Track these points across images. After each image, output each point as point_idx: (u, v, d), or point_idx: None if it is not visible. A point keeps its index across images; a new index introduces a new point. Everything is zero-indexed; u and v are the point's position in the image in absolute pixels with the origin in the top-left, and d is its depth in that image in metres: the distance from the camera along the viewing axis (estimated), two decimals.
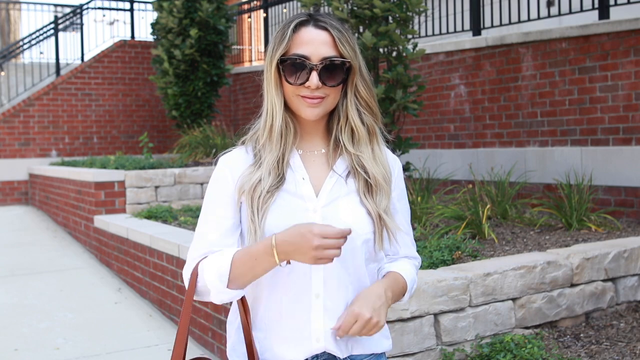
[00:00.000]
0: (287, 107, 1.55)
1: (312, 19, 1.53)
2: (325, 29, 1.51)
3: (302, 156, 1.58)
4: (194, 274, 1.50)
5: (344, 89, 1.55)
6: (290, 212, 1.49)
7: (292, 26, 1.51)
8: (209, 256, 1.50)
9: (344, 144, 1.57)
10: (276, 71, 1.53)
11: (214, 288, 1.46)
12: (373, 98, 1.59)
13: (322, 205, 1.52)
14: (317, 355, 1.53)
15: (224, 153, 1.62)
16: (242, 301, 1.52)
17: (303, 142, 1.59)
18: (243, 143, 1.62)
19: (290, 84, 1.51)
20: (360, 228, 1.52)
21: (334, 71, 1.50)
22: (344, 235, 1.38)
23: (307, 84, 1.49)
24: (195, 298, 1.51)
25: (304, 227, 1.39)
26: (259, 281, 1.52)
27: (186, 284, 1.52)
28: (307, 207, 1.51)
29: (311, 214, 1.51)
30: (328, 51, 1.50)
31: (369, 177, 1.55)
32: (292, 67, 1.50)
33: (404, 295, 1.62)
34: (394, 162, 1.64)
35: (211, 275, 1.46)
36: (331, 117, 1.59)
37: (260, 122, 1.58)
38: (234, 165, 1.57)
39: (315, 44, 1.50)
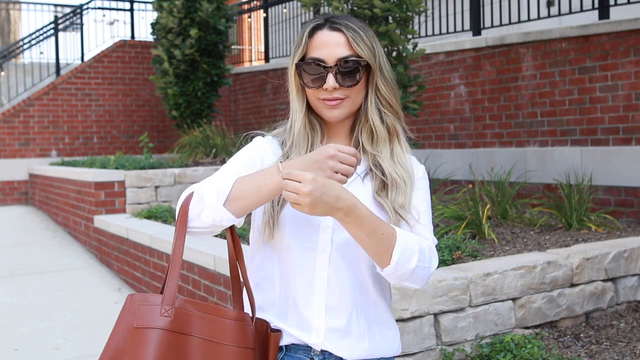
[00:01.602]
0: (312, 109, 1.57)
1: (327, 22, 1.53)
2: (339, 30, 1.51)
3: None
4: (188, 198, 1.45)
5: (365, 89, 1.55)
6: None
7: (307, 31, 1.53)
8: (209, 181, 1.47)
9: (363, 144, 1.56)
10: (296, 77, 1.55)
11: (208, 204, 1.40)
12: (394, 97, 1.57)
13: None
14: (324, 357, 1.52)
15: (259, 134, 1.64)
16: (232, 233, 1.50)
17: (330, 142, 1.59)
18: (274, 135, 1.64)
19: (309, 87, 1.52)
20: None
21: (350, 71, 1.50)
22: (356, 156, 1.37)
23: (324, 86, 1.50)
24: (188, 225, 1.45)
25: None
26: (268, 261, 1.52)
27: (177, 210, 1.47)
28: None
29: None
30: (343, 52, 1.50)
31: (385, 177, 1.54)
32: (308, 71, 1.51)
33: (390, 251, 1.40)
34: (417, 167, 1.61)
35: (210, 191, 1.41)
36: (356, 118, 1.59)
37: (287, 124, 1.61)
38: (266, 150, 1.59)
39: (329, 45, 1.50)
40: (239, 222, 1.46)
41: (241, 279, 1.53)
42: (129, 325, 1.38)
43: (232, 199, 1.41)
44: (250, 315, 1.48)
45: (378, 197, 1.53)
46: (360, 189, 1.54)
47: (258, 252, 1.58)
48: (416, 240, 1.46)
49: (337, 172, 1.36)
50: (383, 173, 1.54)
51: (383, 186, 1.54)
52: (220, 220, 1.42)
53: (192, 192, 1.45)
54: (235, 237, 1.51)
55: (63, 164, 9.27)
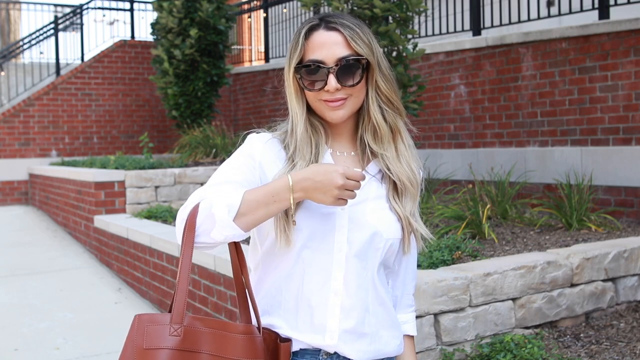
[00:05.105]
0: (313, 111, 1.55)
1: (322, 22, 1.50)
2: (336, 29, 1.48)
3: (332, 155, 1.57)
4: (194, 212, 1.41)
5: (365, 87, 1.53)
6: (319, 206, 1.48)
7: (303, 32, 1.50)
8: (215, 195, 1.43)
9: (368, 143, 1.55)
10: (294, 80, 1.51)
11: (219, 221, 1.37)
12: (394, 93, 1.55)
13: (350, 205, 1.49)
14: (332, 359, 1.50)
15: (256, 132, 1.60)
16: (237, 247, 1.49)
17: (334, 143, 1.58)
18: (274, 135, 1.59)
19: (310, 90, 1.49)
20: (386, 232, 1.51)
21: (351, 70, 1.47)
22: (361, 179, 1.39)
23: (326, 87, 1.47)
24: (195, 241, 1.42)
25: (328, 165, 1.40)
26: (276, 266, 1.50)
27: (180, 225, 1.43)
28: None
29: (339, 211, 1.48)
30: (342, 51, 1.47)
31: (395, 178, 1.54)
32: (308, 74, 1.48)
33: None
34: (418, 168, 1.61)
35: (219, 206, 1.38)
36: (358, 118, 1.57)
37: (288, 128, 1.57)
38: (264, 150, 1.55)
39: (327, 46, 1.47)
40: (245, 237, 1.45)
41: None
42: (138, 346, 1.36)
43: (241, 214, 1.39)
44: (257, 326, 1.46)
45: (393, 202, 1.54)
46: (378, 190, 1.55)
47: (264, 257, 1.55)
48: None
49: (339, 199, 1.38)
50: (392, 174, 1.55)
51: (396, 191, 1.55)
52: (232, 238, 1.41)
53: (197, 205, 1.42)
54: (240, 251, 1.49)
55: (63, 164, 9.27)
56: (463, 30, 7.26)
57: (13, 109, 10.09)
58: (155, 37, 9.64)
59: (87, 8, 11.18)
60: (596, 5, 5.79)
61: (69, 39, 11.57)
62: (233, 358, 1.39)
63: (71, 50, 11.33)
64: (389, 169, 1.55)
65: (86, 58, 11.00)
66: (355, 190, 1.40)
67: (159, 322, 1.39)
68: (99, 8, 11.49)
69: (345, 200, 1.39)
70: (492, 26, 6.98)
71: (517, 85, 6.21)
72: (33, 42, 11.02)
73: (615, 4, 5.68)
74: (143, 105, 10.99)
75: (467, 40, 6.75)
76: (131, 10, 11.50)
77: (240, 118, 11.33)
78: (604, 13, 5.68)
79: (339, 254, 1.48)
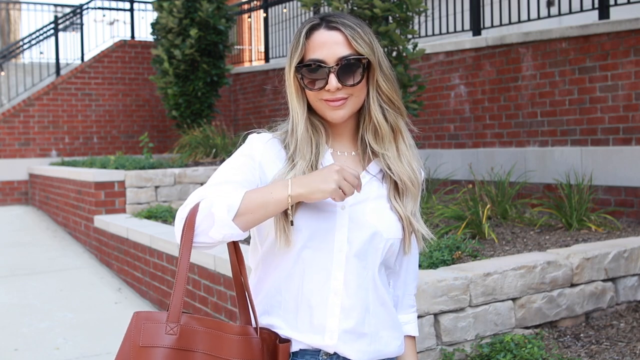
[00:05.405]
0: (313, 110, 1.55)
1: (323, 21, 1.50)
2: (337, 28, 1.48)
3: (332, 154, 1.57)
4: (193, 211, 1.41)
5: (366, 86, 1.53)
6: (319, 206, 1.48)
7: (304, 32, 1.50)
8: (215, 195, 1.43)
9: (369, 142, 1.55)
10: (295, 80, 1.51)
11: (219, 220, 1.37)
12: (395, 92, 1.55)
13: (351, 204, 1.49)
14: (331, 359, 1.50)
15: (256, 132, 1.60)
16: (236, 247, 1.49)
17: (334, 142, 1.58)
18: (275, 135, 1.59)
19: (310, 90, 1.50)
20: (386, 231, 1.51)
21: (352, 70, 1.47)
22: (359, 178, 1.40)
23: (326, 87, 1.47)
24: (193, 240, 1.42)
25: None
26: (276, 266, 1.50)
27: (179, 224, 1.42)
28: (335, 203, 1.49)
29: (339, 211, 1.49)
30: (343, 51, 1.47)
31: (396, 178, 1.54)
32: (309, 73, 1.48)
33: None
34: (419, 168, 1.61)
35: (219, 206, 1.38)
36: (359, 117, 1.57)
37: (288, 127, 1.57)
38: (264, 150, 1.55)
39: (328, 45, 1.47)
40: (244, 237, 1.45)
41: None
42: (134, 343, 1.37)
43: (240, 213, 1.39)
44: (254, 327, 1.46)
45: (394, 202, 1.54)
46: (375, 191, 1.55)
47: (265, 257, 1.55)
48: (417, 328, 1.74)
49: (339, 188, 1.37)
50: (393, 174, 1.55)
51: (397, 190, 1.55)
52: (230, 237, 1.41)
53: (197, 204, 1.42)
54: (239, 251, 1.49)
55: (63, 164, 9.27)
56: (463, 30, 7.27)
57: (13, 109, 10.09)
58: (155, 37, 9.64)
59: (87, 8, 11.18)
60: (596, 5, 5.79)
61: (69, 39, 11.57)
62: (228, 358, 1.39)
63: (71, 50, 11.34)
64: (390, 169, 1.55)
65: (86, 58, 11.00)
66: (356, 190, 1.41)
67: (156, 320, 1.39)
68: (99, 8, 11.49)
69: (343, 195, 1.38)
70: (492, 26, 6.98)
71: (517, 85, 6.21)
72: (33, 42, 11.03)
73: (615, 4, 5.69)
74: (143, 105, 10.99)
75: (467, 40, 6.75)
76: (131, 10, 11.51)
77: (240, 118, 11.33)
78: (604, 13, 5.68)
79: (339, 253, 1.48)
